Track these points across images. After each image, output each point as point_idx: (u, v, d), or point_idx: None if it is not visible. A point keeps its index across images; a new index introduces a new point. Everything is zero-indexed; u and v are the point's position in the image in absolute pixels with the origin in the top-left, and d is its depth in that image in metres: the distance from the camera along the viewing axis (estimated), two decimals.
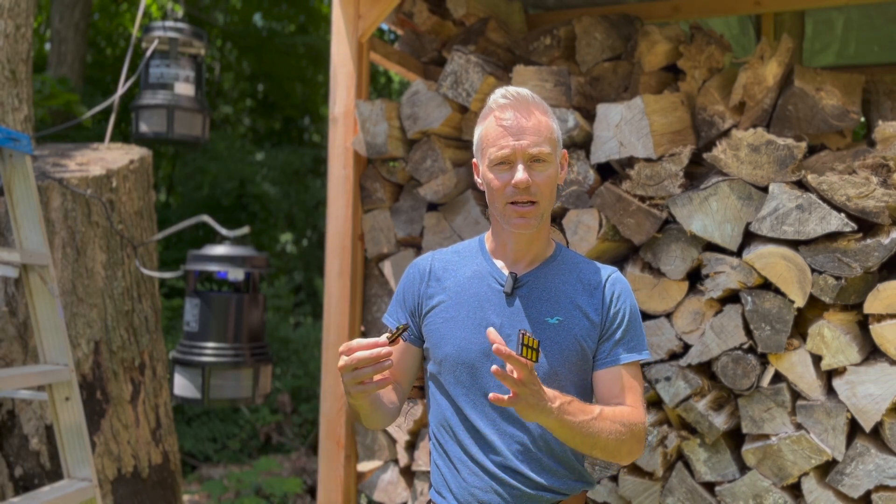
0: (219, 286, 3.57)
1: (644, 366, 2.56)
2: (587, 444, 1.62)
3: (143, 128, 3.55)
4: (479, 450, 1.73)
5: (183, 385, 3.08)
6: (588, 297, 1.77)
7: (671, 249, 2.54)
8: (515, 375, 1.46)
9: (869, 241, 2.27)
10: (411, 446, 2.99)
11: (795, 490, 2.42)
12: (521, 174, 1.68)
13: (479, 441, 1.73)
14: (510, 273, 1.77)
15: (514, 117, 1.71)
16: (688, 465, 2.54)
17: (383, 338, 1.55)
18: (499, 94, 1.75)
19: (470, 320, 1.76)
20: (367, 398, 1.65)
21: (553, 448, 1.74)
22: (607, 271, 1.82)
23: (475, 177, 1.82)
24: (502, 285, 1.78)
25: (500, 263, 1.81)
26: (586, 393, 1.80)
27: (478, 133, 1.78)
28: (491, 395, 1.49)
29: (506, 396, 1.48)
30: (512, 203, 1.71)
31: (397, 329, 1.56)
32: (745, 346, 2.42)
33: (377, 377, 1.55)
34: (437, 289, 1.82)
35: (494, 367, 1.43)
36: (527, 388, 1.47)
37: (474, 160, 1.82)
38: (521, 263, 1.80)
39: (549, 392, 1.55)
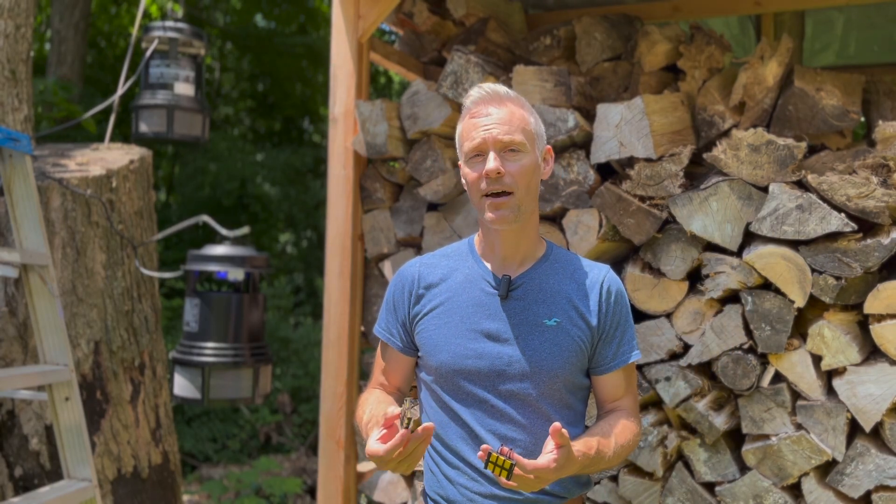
0: (219, 286, 3.57)
1: (644, 366, 2.56)
2: (600, 468, 1.71)
3: (143, 128, 3.55)
4: (476, 455, 1.71)
5: (183, 385, 3.08)
6: (584, 298, 1.75)
7: (671, 249, 2.54)
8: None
9: (869, 241, 2.27)
10: None
11: (795, 490, 2.41)
12: (491, 163, 1.66)
13: (478, 445, 1.71)
14: (504, 276, 1.74)
15: (486, 109, 1.71)
16: (688, 466, 2.54)
17: (403, 429, 1.48)
18: (474, 91, 1.75)
19: (464, 326, 1.73)
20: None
21: None
22: (602, 271, 1.80)
23: (462, 180, 1.81)
24: (495, 289, 1.75)
25: (491, 266, 1.78)
26: (579, 392, 1.80)
27: (456, 133, 1.78)
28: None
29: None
30: (486, 196, 1.69)
31: (411, 420, 1.48)
32: (745, 346, 2.42)
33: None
34: (428, 295, 1.79)
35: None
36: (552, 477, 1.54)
37: (459, 162, 1.80)
38: (513, 264, 1.77)
39: (566, 456, 1.55)
